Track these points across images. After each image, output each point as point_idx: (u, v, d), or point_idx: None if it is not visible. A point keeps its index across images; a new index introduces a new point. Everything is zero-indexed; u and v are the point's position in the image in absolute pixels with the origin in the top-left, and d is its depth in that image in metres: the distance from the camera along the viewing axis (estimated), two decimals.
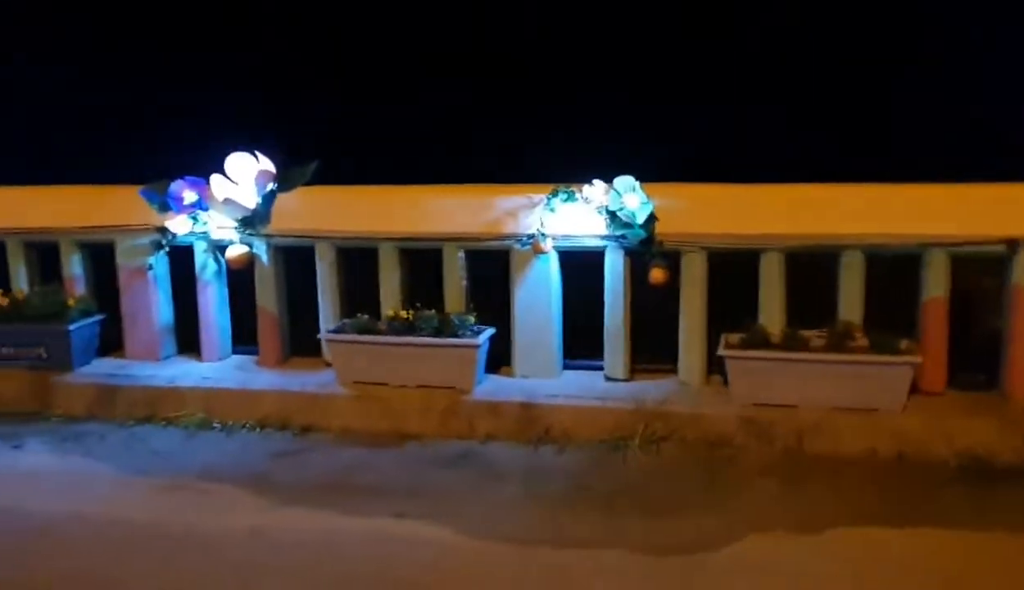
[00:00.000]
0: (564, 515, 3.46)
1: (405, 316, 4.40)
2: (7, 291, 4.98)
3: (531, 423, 4.19)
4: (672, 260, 4.26)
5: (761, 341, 4.00)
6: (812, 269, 4.15)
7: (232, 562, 3.17)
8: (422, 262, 4.60)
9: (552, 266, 4.39)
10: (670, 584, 2.94)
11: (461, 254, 4.50)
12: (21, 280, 5.05)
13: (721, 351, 4.02)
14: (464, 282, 4.52)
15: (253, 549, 3.27)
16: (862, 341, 3.94)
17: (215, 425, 4.46)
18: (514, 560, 3.14)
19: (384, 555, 3.20)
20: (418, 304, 4.46)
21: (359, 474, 3.90)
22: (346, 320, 4.53)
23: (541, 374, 4.45)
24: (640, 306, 4.40)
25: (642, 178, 4.19)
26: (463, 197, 4.50)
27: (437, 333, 4.29)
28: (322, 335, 4.51)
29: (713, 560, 3.11)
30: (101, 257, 5.00)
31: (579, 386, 4.36)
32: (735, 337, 4.07)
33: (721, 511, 3.45)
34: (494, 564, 3.13)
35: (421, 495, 3.67)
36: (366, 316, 4.49)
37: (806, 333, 4.02)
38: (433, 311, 4.41)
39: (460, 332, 4.29)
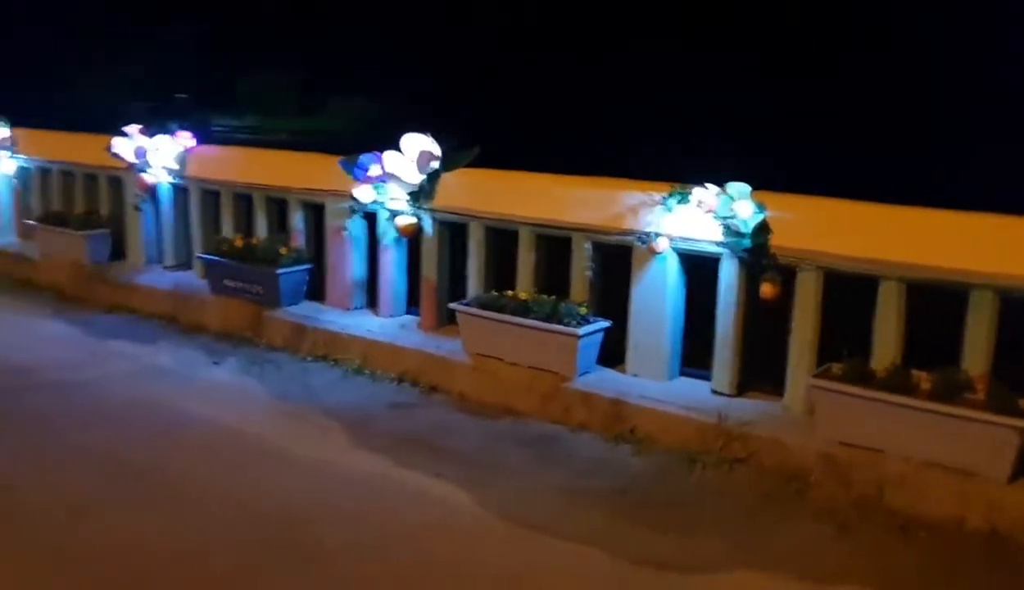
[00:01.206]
0: (582, 511, 3.52)
1: (524, 298, 4.61)
2: (248, 236, 5.98)
3: (619, 420, 4.21)
4: (786, 276, 4.00)
5: (858, 376, 3.64)
6: (937, 303, 3.67)
7: (286, 486, 3.68)
8: (556, 249, 4.76)
9: (669, 267, 4.32)
10: None
11: (588, 245, 4.58)
12: (260, 228, 6.02)
13: (810, 380, 3.73)
14: (588, 273, 4.60)
15: (307, 476, 3.77)
16: (978, 394, 3.43)
17: (366, 371, 5.03)
18: (503, 538, 3.30)
19: (400, 506, 3.52)
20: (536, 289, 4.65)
21: (443, 436, 4.23)
22: (476, 295, 4.85)
23: (650, 375, 4.41)
24: (754, 320, 4.19)
25: (763, 186, 3.98)
26: (593, 189, 4.58)
27: (548, 318, 4.45)
28: (453, 305, 4.87)
29: (681, 584, 3.01)
30: (320, 216, 5.80)
31: (677, 393, 4.27)
32: (839, 367, 3.74)
33: (740, 541, 3.29)
34: (486, 537, 3.31)
35: (475, 464, 3.91)
36: (498, 293, 4.77)
37: (917, 374, 3.59)
38: (551, 297, 4.58)
39: (566, 320, 4.40)
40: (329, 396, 4.73)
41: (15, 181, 7.62)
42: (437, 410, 4.58)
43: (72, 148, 7.17)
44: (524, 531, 3.36)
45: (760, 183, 3.99)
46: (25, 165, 7.54)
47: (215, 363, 5.24)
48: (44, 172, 7.46)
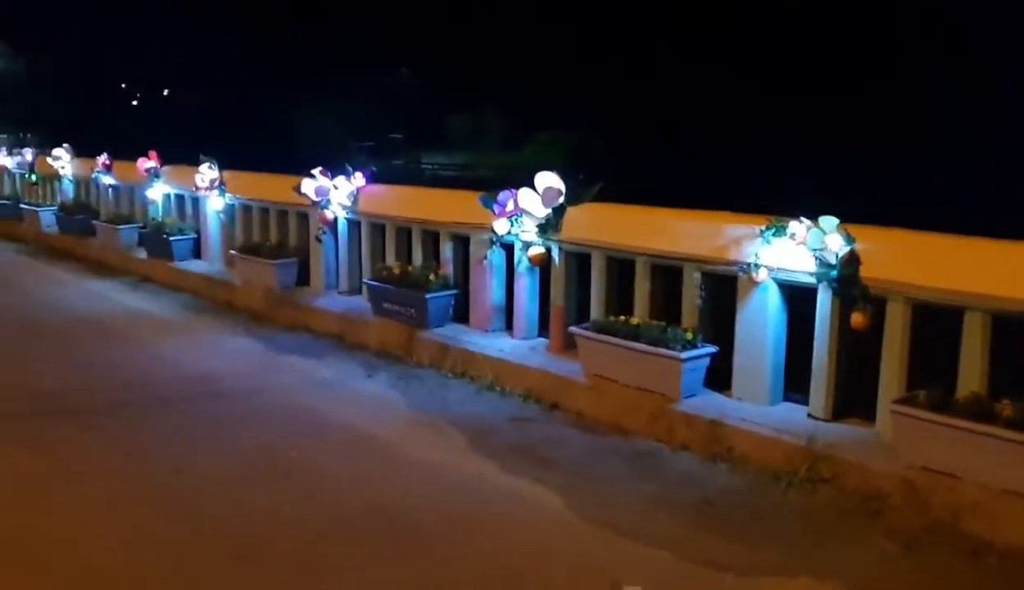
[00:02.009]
0: (664, 518, 3.81)
1: (635, 323, 4.94)
2: (407, 263, 6.67)
3: (717, 440, 4.45)
4: (877, 306, 4.11)
5: (939, 403, 3.72)
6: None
7: (402, 482, 4.23)
8: (669, 277, 5.06)
9: (770, 296, 4.53)
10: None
11: (697, 274, 4.86)
12: (417, 257, 6.68)
13: (891, 406, 3.84)
14: (698, 301, 4.87)
15: (422, 475, 4.29)
16: None
17: (497, 388, 5.53)
18: (584, 536, 3.67)
19: (497, 503, 3.97)
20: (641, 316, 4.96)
21: (552, 448, 4.63)
22: (594, 320, 5.23)
23: (752, 399, 4.62)
24: (851, 348, 4.32)
25: (854, 219, 4.13)
26: (701, 222, 4.85)
27: (655, 343, 4.76)
28: (572, 329, 5.26)
29: (733, 586, 3.26)
30: (466, 247, 6.39)
31: (774, 416, 4.45)
32: (922, 395, 3.83)
33: (804, 553, 3.49)
34: (568, 534, 3.69)
35: (575, 473, 4.29)
36: (615, 318, 5.13)
37: (1002, 403, 3.63)
38: (661, 323, 4.88)
39: (672, 345, 4.69)
40: (460, 409, 5.25)
41: (223, 216, 8.78)
42: (553, 425, 4.99)
43: (268, 188, 8.20)
44: (604, 531, 3.70)
45: (853, 215, 4.14)
46: (231, 202, 8.68)
47: (368, 376, 5.92)
48: (246, 208, 8.55)
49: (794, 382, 4.65)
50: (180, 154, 9.81)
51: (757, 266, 4.47)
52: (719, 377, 4.82)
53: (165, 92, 53.73)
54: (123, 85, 53.64)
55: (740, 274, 4.59)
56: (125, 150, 10.85)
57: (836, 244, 4.12)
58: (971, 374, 3.82)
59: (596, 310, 5.41)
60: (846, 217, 4.17)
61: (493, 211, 5.75)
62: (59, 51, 45.78)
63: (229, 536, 3.69)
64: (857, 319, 4.13)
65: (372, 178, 7.16)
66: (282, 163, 8.77)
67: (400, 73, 50.72)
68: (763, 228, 4.42)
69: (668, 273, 5.08)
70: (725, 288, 4.82)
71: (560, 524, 3.79)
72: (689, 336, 4.75)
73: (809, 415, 4.43)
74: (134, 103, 53.77)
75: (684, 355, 4.64)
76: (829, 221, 4.15)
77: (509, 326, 6.13)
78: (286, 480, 4.27)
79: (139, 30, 46.25)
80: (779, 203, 4.47)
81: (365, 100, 45.97)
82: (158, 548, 3.61)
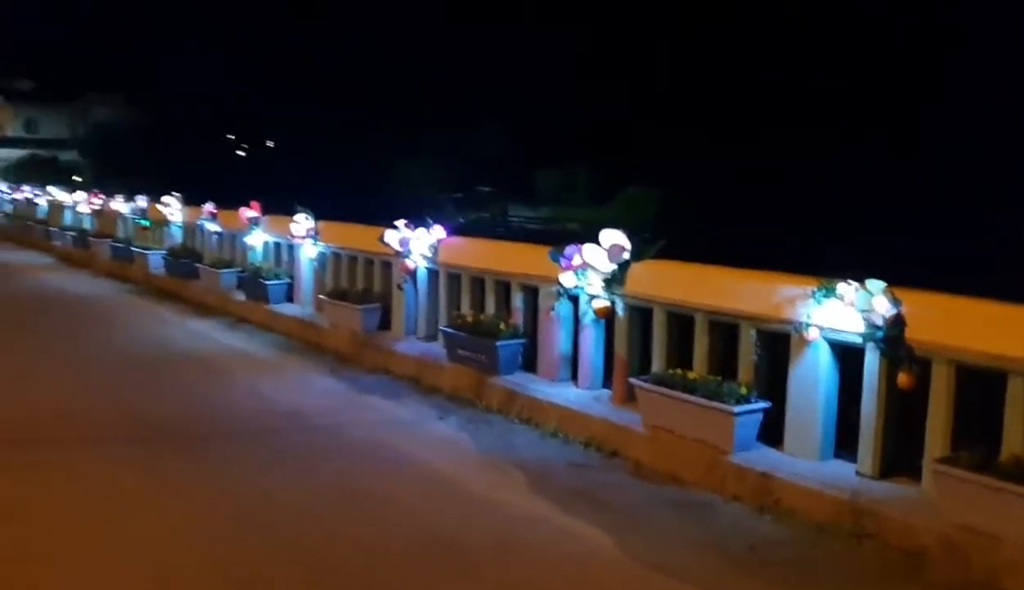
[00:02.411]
0: (708, 562, 4.01)
1: (692, 376, 5.17)
2: (480, 312, 7.03)
3: (766, 492, 4.62)
4: (923, 367, 4.26)
5: (980, 463, 3.84)
6: None
7: (463, 516, 4.53)
8: (728, 334, 5.28)
9: (821, 355, 4.70)
10: None
11: (752, 332, 5.07)
12: (490, 306, 7.04)
13: (933, 465, 3.97)
14: (754, 357, 5.07)
15: (482, 511, 4.58)
16: None
17: (560, 435, 5.80)
18: (628, 574, 3.90)
19: (551, 539, 4.23)
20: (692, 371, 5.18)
21: (608, 492, 4.87)
22: (654, 372, 5.46)
23: (803, 454, 4.78)
24: (899, 408, 4.45)
25: (900, 282, 4.30)
26: (757, 282, 5.07)
27: (711, 396, 4.97)
28: (632, 381, 5.51)
29: None
30: (535, 298, 6.71)
31: (823, 472, 4.60)
32: (965, 455, 3.95)
33: None
34: (614, 571, 3.93)
35: (628, 517, 4.52)
36: (674, 371, 5.36)
37: None
38: (717, 377, 5.10)
39: (727, 399, 4.90)
40: (524, 452, 5.53)
41: (315, 263, 9.34)
42: (611, 472, 5.22)
43: (357, 237, 8.73)
44: (649, 570, 3.93)
45: (900, 279, 4.32)
46: (323, 250, 9.24)
47: (441, 419, 6.26)
48: (336, 256, 9.10)
49: (847, 440, 4.79)
50: (279, 203, 10.45)
51: (808, 325, 4.66)
52: (775, 432, 5.00)
53: (269, 143, 56.15)
54: (231, 136, 56.33)
55: (793, 333, 4.78)
56: (229, 199, 11.59)
57: (882, 306, 4.29)
58: (1013, 436, 3.93)
59: (657, 363, 5.65)
60: (894, 281, 4.35)
61: (560, 264, 6.08)
62: (170, 103, 48.50)
63: (306, 553, 4.05)
64: (903, 379, 4.27)
65: (451, 230, 7.59)
66: (375, 214, 9.27)
67: (489, 127, 51.99)
68: (814, 289, 4.62)
69: (726, 330, 5.30)
70: (780, 346, 5.02)
71: (609, 562, 4.02)
72: (743, 391, 4.94)
73: (857, 472, 4.56)
74: (240, 154, 56.32)
75: (737, 409, 4.84)
76: (876, 284, 4.33)
77: (574, 376, 6.41)
78: (360, 508, 4.62)
79: (246, 86, 48.63)
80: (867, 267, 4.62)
81: (455, 154, 47.28)
82: (240, 562, 3.98)
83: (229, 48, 49.30)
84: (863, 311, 4.38)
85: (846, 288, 4.46)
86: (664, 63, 43.03)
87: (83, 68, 53.08)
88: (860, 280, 4.41)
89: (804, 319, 4.69)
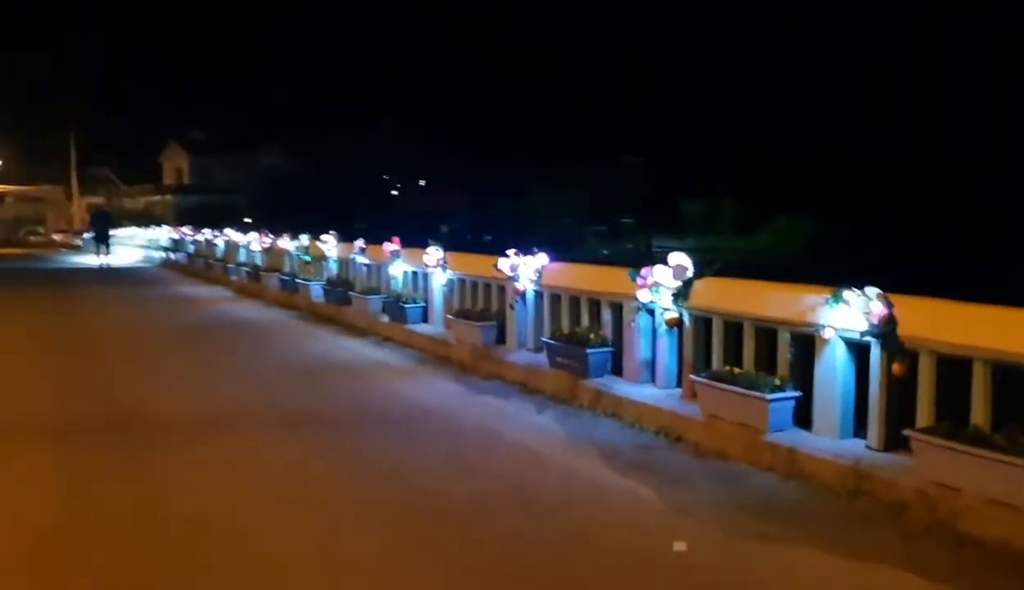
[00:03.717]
0: (727, 510, 5.09)
1: (737, 372, 6.21)
2: (576, 326, 8.25)
3: (792, 463, 5.62)
4: (912, 358, 5.19)
5: (947, 431, 4.75)
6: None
7: (540, 481, 5.76)
8: (770, 337, 6.30)
9: (837, 350, 5.67)
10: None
11: (787, 334, 6.08)
12: (584, 321, 8.26)
13: (911, 434, 4.90)
14: (789, 355, 6.07)
15: (558, 477, 5.80)
16: None
17: (636, 426, 6.93)
18: (664, 518, 5.02)
19: (606, 495, 5.40)
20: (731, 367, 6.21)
21: (663, 466, 5.98)
22: (708, 370, 6.53)
23: (826, 434, 5.74)
24: (899, 392, 5.38)
25: (895, 289, 5.26)
26: (788, 293, 6.09)
27: (750, 387, 6.01)
28: (692, 377, 6.59)
29: (748, 550, 4.50)
30: (620, 312, 7.87)
31: (838, 447, 5.56)
32: (937, 426, 4.87)
33: (821, 533, 4.63)
34: (653, 517, 5.07)
35: (674, 482, 5.62)
36: (725, 368, 6.42)
37: (997, 434, 4.61)
38: (757, 372, 6.13)
39: (762, 389, 5.93)
40: (603, 438, 6.70)
41: (445, 288, 10.83)
42: (671, 452, 6.32)
43: (478, 266, 10.14)
44: (675, 513, 5.04)
45: (894, 287, 5.27)
46: (451, 277, 10.72)
47: (539, 413, 7.52)
48: (461, 282, 10.56)
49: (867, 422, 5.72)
50: (426, 236, 11.78)
51: (824, 326, 5.65)
52: (809, 418, 5.97)
53: (422, 183, 59.28)
54: (385, 176, 59.82)
55: (816, 333, 5.77)
56: (383, 233, 13.12)
57: (878, 309, 5.25)
58: (977, 411, 4.82)
59: (715, 363, 6.71)
60: (889, 289, 5.30)
61: (637, 283, 7.24)
62: (330, 149, 52.24)
63: (423, 499, 5.39)
64: (896, 368, 5.21)
65: (554, 257, 8.87)
66: (517, 246, 10.50)
67: (633, 160, 53.02)
68: (828, 296, 5.61)
69: (767, 333, 6.32)
70: (808, 345, 6.00)
71: (648, 508, 5.15)
72: (777, 382, 5.96)
73: (866, 446, 5.50)
74: (393, 193, 59.68)
75: (770, 397, 5.86)
76: (872, 290, 5.30)
77: (655, 377, 7.52)
78: (466, 470, 5.94)
79: (397, 131, 51.67)
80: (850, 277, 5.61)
81: (599, 186, 48.55)
82: (379, 507, 5.35)
83: (383, 100, 52.62)
84: (864, 313, 5.35)
85: (851, 294, 5.44)
86: (814, 94, 43.00)
87: (251, 119, 58.08)
88: (861, 287, 5.38)
89: (822, 321, 5.68)
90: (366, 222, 20.21)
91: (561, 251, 9.04)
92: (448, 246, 10.97)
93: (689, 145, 47.96)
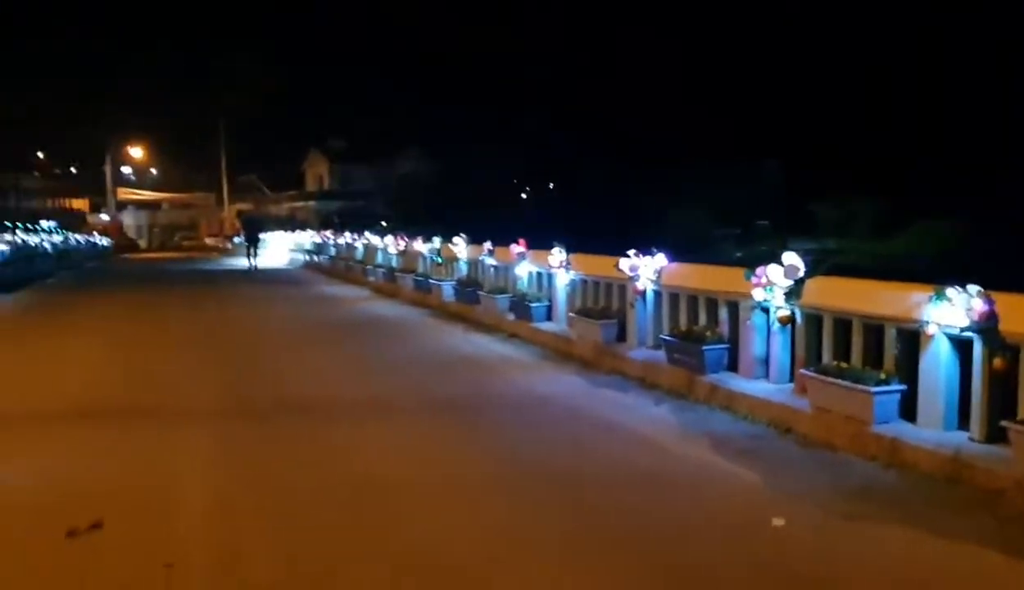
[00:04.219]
0: (827, 493, 5.44)
1: (843, 366, 6.51)
2: (693, 324, 8.66)
3: (894, 453, 5.90)
4: (1014, 353, 5.39)
5: None
6: None
7: (645, 464, 6.25)
8: (878, 333, 6.55)
9: (940, 346, 5.90)
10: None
11: (892, 330, 6.33)
12: (702, 319, 8.65)
13: (1008, 425, 5.13)
14: (895, 351, 6.33)
15: (664, 460, 6.27)
16: None
17: (748, 418, 7.30)
18: (764, 496, 5.43)
19: (711, 474, 5.84)
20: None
21: (768, 453, 6.35)
22: (818, 364, 6.83)
23: (930, 426, 5.98)
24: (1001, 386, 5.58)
25: (996, 286, 5.47)
26: (894, 291, 6.34)
27: (856, 380, 6.30)
28: (802, 371, 6.90)
29: (842, 528, 4.86)
30: (737, 311, 8.23)
31: (940, 438, 5.80)
32: None
33: (915, 515, 4.94)
34: (754, 494, 5.48)
35: (779, 467, 5.99)
36: (834, 363, 6.71)
37: None
38: (864, 366, 6.41)
39: (867, 382, 6.21)
40: (715, 428, 7.10)
41: (568, 288, 11.40)
42: (780, 442, 6.67)
43: (599, 266, 10.66)
44: (777, 494, 5.42)
45: (995, 283, 5.48)
46: (574, 277, 11.27)
47: (656, 405, 7.98)
48: (583, 282, 11.10)
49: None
50: (555, 238, 12.38)
51: (929, 323, 5.90)
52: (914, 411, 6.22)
53: (550, 185, 60.08)
54: (515, 180, 60.97)
55: (920, 329, 6.02)
56: (513, 235, 13.70)
57: (979, 305, 5.48)
58: None
59: (825, 358, 7.00)
60: (990, 285, 5.52)
61: (752, 282, 7.59)
62: (463, 154, 53.71)
63: (540, 469, 5.96)
64: (997, 363, 5.43)
65: (671, 258, 9.30)
66: (651, 246, 10.92)
67: (767, 162, 52.11)
68: (931, 294, 5.86)
69: (875, 330, 6.58)
70: (914, 340, 6.25)
71: (751, 489, 5.56)
72: (883, 376, 6.23)
73: (969, 438, 5.72)
74: (523, 196, 60.73)
75: (874, 389, 6.14)
76: (973, 288, 5.53)
77: (769, 373, 7.85)
78: (582, 454, 6.49)
79: (529, 133, 52.57)
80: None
81: (732, 189, 47.97)
82: (501, 477, 5.97)
83: (515, 102, 53.68)
84: (966, 309, 5.58)
85: (953, 292, 5.68)
86: (955, 92, 41.31)
87: (389, 126, 60.40)
88: (963, 285, 5.62)
89: (926, 318, 5.93)
90: (497, 224, 20.91)
91: (693, 254, 9.40)
92: (576, 247, 11.52)
93: (826, 146, 46.78)
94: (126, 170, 71.72)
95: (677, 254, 9.45)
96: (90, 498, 5.46)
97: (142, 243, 63.69)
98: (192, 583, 4.36)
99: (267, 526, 5.10)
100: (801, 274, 7.21)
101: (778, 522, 4.95)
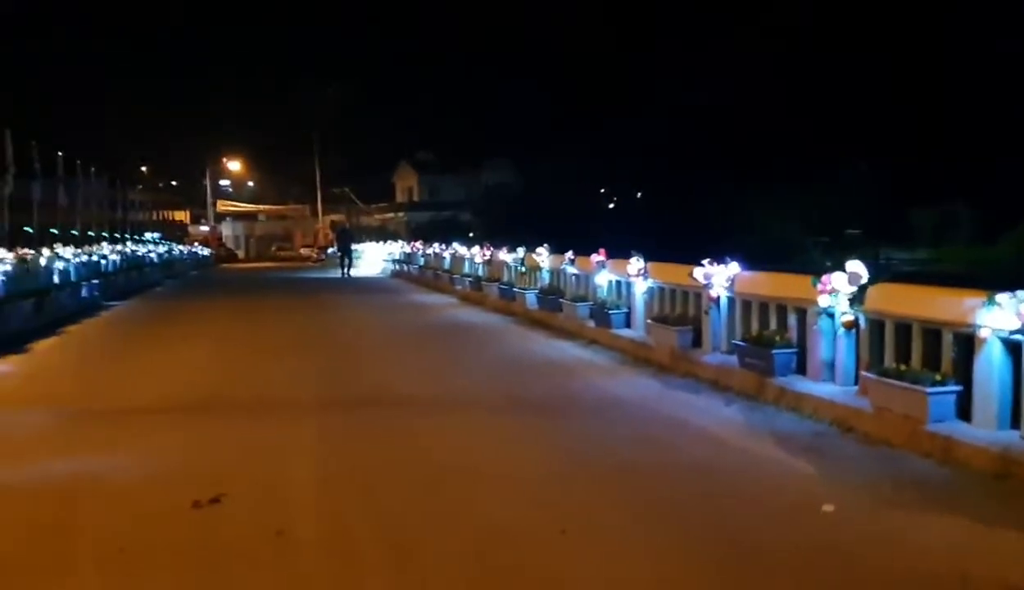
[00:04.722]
0: (878, 484, 5.81)
1: (902, 368, 6.82)
2: (764, 329, 9.02)
3: (948, 450, 6.21)
4: None
5: None
6: None
7: (706, 457, 6.70)
8: (935, 338, 6.85)
9: (994, 349, 6.18)
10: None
11: (949, 334, 6.62)
12: (772, 324, 9.01)
13: None
14: (952, 353, 6.62)
15: (729, 451, 6.70)
16: None
17: (812, 417, 7.65)
18: (818, 486, 5.83)
19: (768, 467, 6.26)
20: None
21: (828, 450, 6.71)
22: (877, 367, 7.15)
23: (984, 425, 6.26)
24: None
25: None
26: (950, 296, 6.63)
27: (913, 381, 6.62)
28: (863, 373, 7.22)
29: (885, 515, 5.23)
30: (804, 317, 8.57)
31: (991, 437, 6.08)
32: None
33: (960, 503, 5.27)
34: (805, 483, 5.89)
35: (834, 461, 6.38)
36: (892, 365, 7.03)
37: None
38: (920, 368, 6.72)
39: (923, 383, 6.52)
40: (780, 427, 7.48)
41: (646, 296, 11.85)
42: (841, 440, 7.02)
43: (675, 274, 11.08)
44: (831, 485, 5.80)
45: None
46: (652, 285, 11.72)
47: (726, 405, 8.38)
48: (661, 289, 11.54)
49: None
50: (637, 247, 12.77)
51: (980, 326, 6.19)
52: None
53: (639, 194, 60.18)
54: (602, 190, 61.35)
55: (974, 333, 6.31)
56: (597, 245, 14.11)
57: None
58: None
59: (886, 361, 7.31)
60: None
61: (818, 289, 7.94)
62: (548, 164, 54.34)
63: (611, 458, 6.47)
64: None
65: (745, 266, 9.67)
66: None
67: (858, 167, 51.07)
68: (984, 299, 6.15)
69: (934, 334, 6.88)
70: (969, 343, 6.53)
71: (807, 481, 5.97)
72: (938, 377, 6.53)
73: (1020, 437, 5.99)
74: (611, 206, 61.00)
75: (929, 390, 6.45)
76: (1022, 293, 5.81)
77: (835, 376, 8.18)
78: (650, 447, 6.99)
79: (615, 143, 52.74)
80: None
81: (821, 195, 47.15)
82: (573, 473, 6.50)
83: (599, 112, 54.03)
84: (1016, 313, 5.87)
85: (1003, 297, 5.97)
86: None
87: (475, 138, 61.64)
88: (1013, 290, 5.90)
89: (979, 322, 6.22)
90: (583, 234, 21.31)
91: (781, 262, 9.71)
92: (664, 257, 11.95)
93: (922, 151, 45.57)
94: (224, 183, 74.97)
95: (767, 264, 9.78)
96: (209, 477, 6.19)
97: (240, 253, 66.38)
98: (300, 547, 5.02)
99: (363, 501, 5.76)
100: (864, 281, 7.53)
101: (828, 508, 5.35)
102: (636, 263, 11.85)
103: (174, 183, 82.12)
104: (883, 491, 5.68)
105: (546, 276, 16.26)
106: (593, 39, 59.65)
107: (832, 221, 46.51)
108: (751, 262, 9.93)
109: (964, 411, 6.52)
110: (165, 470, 6.52)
